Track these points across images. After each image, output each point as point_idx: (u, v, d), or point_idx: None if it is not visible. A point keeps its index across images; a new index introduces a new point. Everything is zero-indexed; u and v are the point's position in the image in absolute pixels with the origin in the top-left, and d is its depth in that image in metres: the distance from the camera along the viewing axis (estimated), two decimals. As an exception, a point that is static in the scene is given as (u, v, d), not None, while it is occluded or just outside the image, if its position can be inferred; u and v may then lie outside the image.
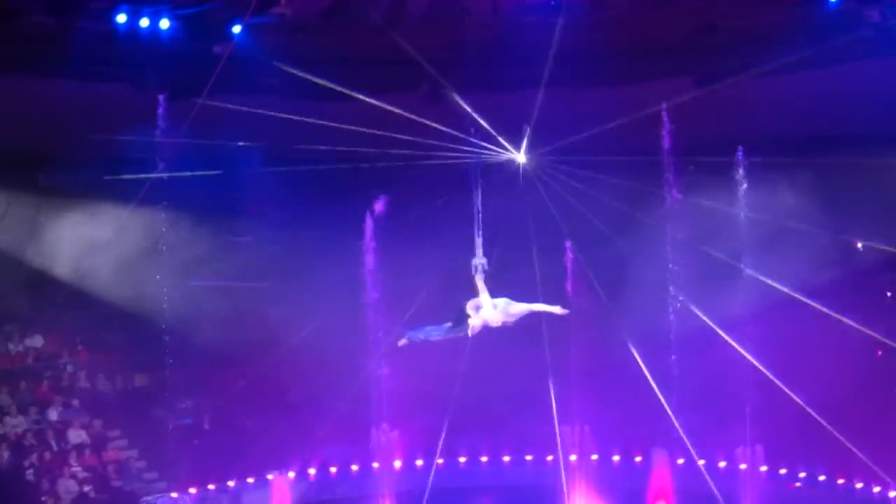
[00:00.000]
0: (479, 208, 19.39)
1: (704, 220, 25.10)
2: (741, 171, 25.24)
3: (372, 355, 25.85)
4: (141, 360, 26.64)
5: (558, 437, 26.67)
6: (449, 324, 18.07)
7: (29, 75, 24.44)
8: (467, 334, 17.95)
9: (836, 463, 25.38)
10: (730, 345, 25.43)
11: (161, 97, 24.55)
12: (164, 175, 24.19)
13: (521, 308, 18.03)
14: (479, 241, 18.75)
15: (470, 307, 17.87)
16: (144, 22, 24.42)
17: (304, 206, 27.05)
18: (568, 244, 26.75)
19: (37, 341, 27.75)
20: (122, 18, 24.23)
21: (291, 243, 27.18)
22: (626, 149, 23.69)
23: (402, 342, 18.28)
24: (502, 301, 17.92)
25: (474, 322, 17.79)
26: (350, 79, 24.72)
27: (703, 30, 24.91)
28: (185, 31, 25.00)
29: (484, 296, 17.86)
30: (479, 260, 18.35)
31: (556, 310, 18.20)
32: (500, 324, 17.92)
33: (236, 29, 24.25)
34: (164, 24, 24.58)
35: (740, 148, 25.27)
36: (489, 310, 17.79)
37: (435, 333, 18.15)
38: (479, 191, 19.78)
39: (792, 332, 26.18)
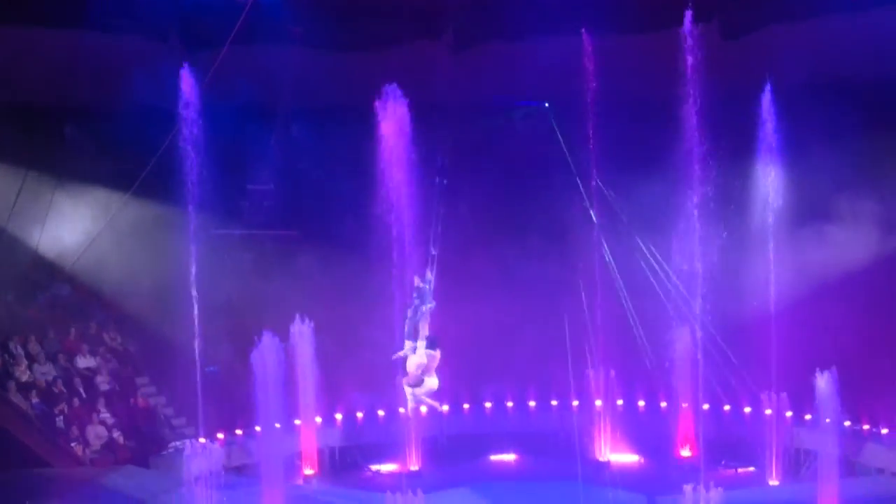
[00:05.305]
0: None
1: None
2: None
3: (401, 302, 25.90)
4: (167, 308, 26.70)
5: (588, 382, 26.89)
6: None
7: (50, 27, 24.55)
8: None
9: (861, 409, 25.39)
10: (754, 291, 25.55)
11: (183, 49, 24.62)
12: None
13: (420, 368, 18.15)
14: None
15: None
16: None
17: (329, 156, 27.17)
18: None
19: (63, 290, 27.98)
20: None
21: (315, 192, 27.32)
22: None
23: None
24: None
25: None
26: (372, 28, 24.76)
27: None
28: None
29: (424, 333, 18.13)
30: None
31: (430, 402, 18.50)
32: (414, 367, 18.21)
33: (260, -24, 24.12)
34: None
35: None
36: (420, 349, 18.08)
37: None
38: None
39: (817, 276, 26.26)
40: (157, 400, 27.54)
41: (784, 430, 25.11)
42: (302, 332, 25.24)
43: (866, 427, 25.66)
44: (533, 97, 27.37)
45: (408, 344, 18.62)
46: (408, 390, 18.77)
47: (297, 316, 25.19)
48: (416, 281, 18.93)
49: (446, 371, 26.53)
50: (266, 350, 22.75)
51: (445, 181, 20.86)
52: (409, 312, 18.71)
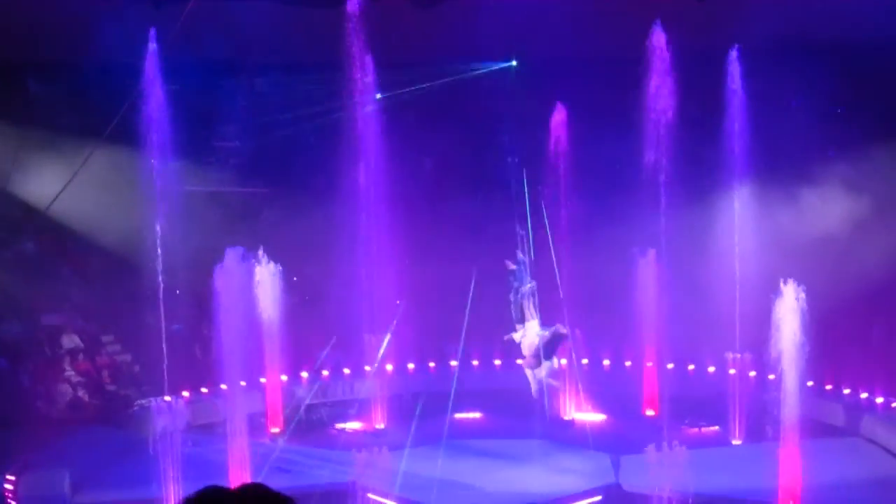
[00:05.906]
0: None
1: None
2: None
3: (367, 261, 25.86)
4: (133, 265, 26.61)
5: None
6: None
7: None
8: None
9: (825, 370, 25.47)
10: (719, 251, 25.57)
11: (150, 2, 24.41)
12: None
13: (534, 349, 18.64)
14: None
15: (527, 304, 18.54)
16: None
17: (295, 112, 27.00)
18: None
19: (28, 246, 27.83)
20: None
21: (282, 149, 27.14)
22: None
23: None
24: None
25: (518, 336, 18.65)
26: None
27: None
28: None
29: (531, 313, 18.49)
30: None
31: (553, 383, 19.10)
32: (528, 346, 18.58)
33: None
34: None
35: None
36: (532, 330, 18.44)
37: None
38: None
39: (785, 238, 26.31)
40: (123, 358, 27.47)
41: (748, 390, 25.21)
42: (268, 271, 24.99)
43: (829, 387, 25.90)
44: (499, 55, 27.21)
45: (519, 328, 18.83)
46: (528, 373, 19.00)
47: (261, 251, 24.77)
48: (508, 264, 19.04)
49: (412, 329, 26.88)
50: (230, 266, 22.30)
51: (517, 159, 20.71)
52: (511, 297, 18.85)
